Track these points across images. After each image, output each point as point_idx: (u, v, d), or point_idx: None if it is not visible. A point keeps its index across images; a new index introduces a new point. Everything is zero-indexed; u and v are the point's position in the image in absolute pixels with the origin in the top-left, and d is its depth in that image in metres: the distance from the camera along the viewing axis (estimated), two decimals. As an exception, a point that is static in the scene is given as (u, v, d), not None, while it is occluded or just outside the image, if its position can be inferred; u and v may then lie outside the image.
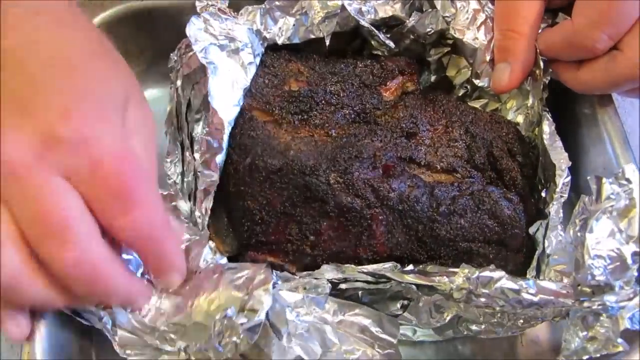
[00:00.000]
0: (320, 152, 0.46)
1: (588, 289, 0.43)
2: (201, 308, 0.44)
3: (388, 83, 0.53)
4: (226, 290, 0.44)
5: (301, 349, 0.45)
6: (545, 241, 0.49)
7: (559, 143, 0.51)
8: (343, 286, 0.46)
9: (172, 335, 0.44)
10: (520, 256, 0.50)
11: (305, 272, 0.46)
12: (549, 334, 0.55)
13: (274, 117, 0.49)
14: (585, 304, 0.43)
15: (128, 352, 0.44)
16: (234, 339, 0.43)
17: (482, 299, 0.44)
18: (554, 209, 0.49)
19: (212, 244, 0.49)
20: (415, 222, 0.47)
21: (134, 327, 0.44)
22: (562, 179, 0.50)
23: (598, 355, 0.44)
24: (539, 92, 0.53)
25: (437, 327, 0.50)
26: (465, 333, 0.49)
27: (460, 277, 0.44)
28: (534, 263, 0.50)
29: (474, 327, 0.49)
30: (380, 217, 0.46)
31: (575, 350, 0.45)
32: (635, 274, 0.44)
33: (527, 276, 0.50)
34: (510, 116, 0.57)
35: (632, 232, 0.44)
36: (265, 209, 0.46)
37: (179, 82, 0.51)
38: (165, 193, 0.49)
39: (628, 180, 0.45)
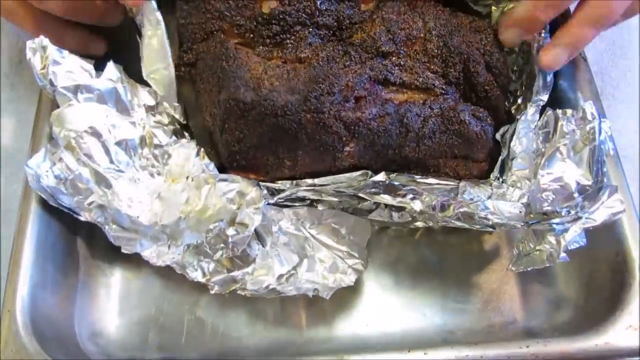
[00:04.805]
0: (292, 87, 0.46)
1: (538, 214, 0.47)
2: (194, 215, 0.50)
3: (365, -7, 0.50)
4: (218, 202, 0.49)
5: (280, 257, 0.51)
6: (517, 141, 0.50)
7: None
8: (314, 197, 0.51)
9: (162, 236, 0.51)
10: (486, 164, 0.53)
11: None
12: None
13: (245, 39, 0.48)
14: (533, 227, 0.47)
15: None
16: (222, 246, 0.49)
17: (441, 223, 0.49)
18: (530, 112, 0.50)
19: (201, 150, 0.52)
20: (385, 149, 0.49)
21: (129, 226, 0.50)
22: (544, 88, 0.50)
23: (542, 266, 0.49)
24: None
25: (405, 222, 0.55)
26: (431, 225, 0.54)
27: (421, 205, 0.48)
28: (498, 164, 0.53)
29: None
30: (351, 145, 0.48)
31: (524, 261, 0.50)
32: (579, 201, 0.47)
33: (491, 178, 0.53)
34: None
35: (582, 167, 0.47)
36: (243, 141, 0.48)
37: None
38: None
39: (584, 118, 0.47)
